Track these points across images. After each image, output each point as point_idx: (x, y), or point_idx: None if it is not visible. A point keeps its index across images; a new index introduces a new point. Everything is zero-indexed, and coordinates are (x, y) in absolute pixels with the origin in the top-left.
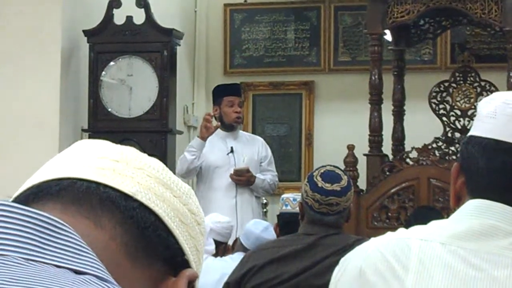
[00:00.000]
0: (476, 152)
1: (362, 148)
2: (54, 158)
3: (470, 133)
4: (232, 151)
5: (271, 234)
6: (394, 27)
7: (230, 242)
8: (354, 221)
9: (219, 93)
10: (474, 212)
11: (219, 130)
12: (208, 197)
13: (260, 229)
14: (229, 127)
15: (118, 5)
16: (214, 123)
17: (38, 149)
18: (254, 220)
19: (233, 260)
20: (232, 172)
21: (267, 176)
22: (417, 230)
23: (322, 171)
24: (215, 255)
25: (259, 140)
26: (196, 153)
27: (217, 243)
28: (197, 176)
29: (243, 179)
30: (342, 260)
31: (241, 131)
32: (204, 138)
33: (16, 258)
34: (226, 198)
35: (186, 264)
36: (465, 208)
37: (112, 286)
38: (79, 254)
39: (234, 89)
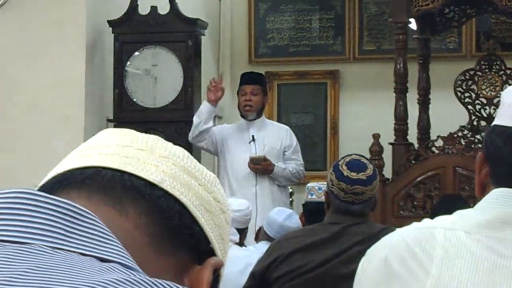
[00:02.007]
0: (499, 141)
1: (387, 137)
2: (79, 147)
3: (494, 123)
4: (253, 139)
5: (295, 222)
6: (419, 16)
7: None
8: (379, 210)
9: (239, 83)
10: (497, 201)
11: (242, 119)
12: (229, 185)
13: (283, 217)
14: (244, 117)
15: None
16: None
17: (64, 139)
18: (277, 208)
19: (257, 250)
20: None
21: (290, 165)
22: (441, 219)
23: (347, 160)
24: (238, 243)
25: (284, 128)
26: (202, 116)
27: (238, 230)
28: (219, 164)
29: (259, 167)
30: (368, 251)
31: (267, 120)
32: (210, 101)
33: (42, 247)
34: (246, 186)
35: (211, 253)
36: (489, 197)
37: (137, 274)
38: (104, 242)
39: (247, 78)
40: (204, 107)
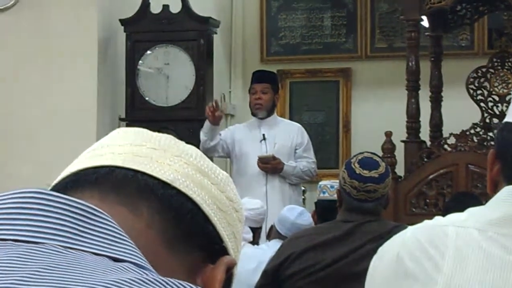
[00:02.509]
0: (511, 138)
1: (399, 135)
2: (92, 146)
3: (505, 120)
4: (264, 138)
5: (306, 219)
6: (430, 13)
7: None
8: (392, 208)
9: (250, 81)
10: (508, 198)
11: (254, 118)
12: (240, 184)
13: (295, 215)
14: (255, 115)
15: None
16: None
17: (76, 138)
18: (288, 206)
19: (269, 248)
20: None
21: (301, 163)
22: (453, 217)
23: (360, 157)
24: (252, 242)
25: (296, 126)
26: (207, 135)
27: (252, 229)
28: (231, 163)
29: (268, 166)
30: (380, 248)
31: (278, 118)
32: (211, 123)
33: (55, 246)
34: (257, 185)
35: (224, 252)
36: (500, 194)
37: (150, 273)
38: (117, 242)
39: (258, 77)
40: (206, 125)
